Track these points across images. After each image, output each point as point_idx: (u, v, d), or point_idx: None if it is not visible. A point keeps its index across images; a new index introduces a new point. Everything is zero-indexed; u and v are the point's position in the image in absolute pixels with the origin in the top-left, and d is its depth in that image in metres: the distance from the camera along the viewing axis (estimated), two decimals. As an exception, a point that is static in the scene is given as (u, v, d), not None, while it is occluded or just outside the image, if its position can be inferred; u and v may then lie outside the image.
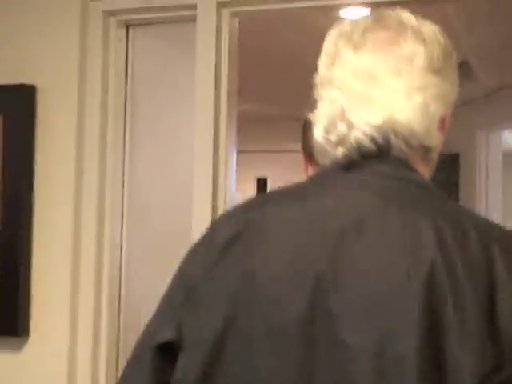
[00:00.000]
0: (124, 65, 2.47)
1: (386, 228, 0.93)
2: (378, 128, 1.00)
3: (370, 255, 0.92)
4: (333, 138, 1.04)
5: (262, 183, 6.88)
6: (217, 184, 2.27)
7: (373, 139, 1.01)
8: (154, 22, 2.47)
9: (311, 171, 1.76)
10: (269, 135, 6.78)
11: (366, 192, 1.00)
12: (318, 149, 1.08)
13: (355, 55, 1.05)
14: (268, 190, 6.69)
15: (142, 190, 2.40)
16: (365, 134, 1.00)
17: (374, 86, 1.02)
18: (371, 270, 0.91)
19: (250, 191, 6.89)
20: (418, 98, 1.01)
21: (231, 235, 1.01)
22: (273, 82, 5.11)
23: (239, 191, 6.84)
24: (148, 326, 1.07)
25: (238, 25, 2.43)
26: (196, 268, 1.04)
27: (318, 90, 1.10)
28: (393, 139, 1.01)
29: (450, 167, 5.63)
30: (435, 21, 1.10)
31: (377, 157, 1.02)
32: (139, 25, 2.49)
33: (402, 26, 1.07)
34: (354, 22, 1.10)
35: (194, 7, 2.31)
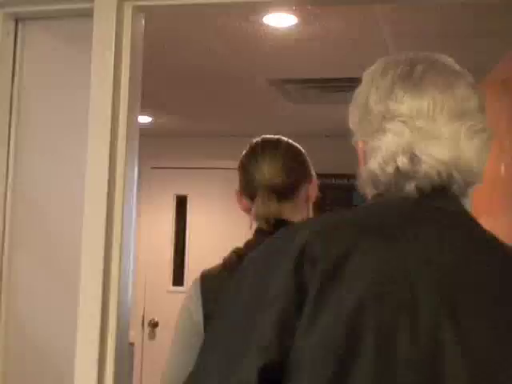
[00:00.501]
0: (11, 61, 2.18)
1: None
2: (445, 164, 1.07)
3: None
4: (390, 169, 1.10)
5: (181, 201, 6.64)
6: (112, 198, 1.94)
7: (439, 174, 1.08)
8: (46, 16, 2.17)
9: (246, 204, 1.90)
10: (189, 151, 6.53)
11: (456, 232, 1.08)
12: (367, 178, 1.15)
13: (416, 94, 1.11)
14: (188, 207, 6.43)
15: (29, 196, 2.09)
16: (432, 167, 1.07)
17: (439, 126, 1.09)
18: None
19: (169, 209, 6.62)
20: (477, 140, 1.09)
21: (334, 258, 0.99)
22: (189, 94, 4.79)
23: (158, 209, 6.63)
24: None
25: (143, 22, 2.12)
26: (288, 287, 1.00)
27: (372, 121, 1.15)
28: (455, 175, 1.08)
29: None
30: None
31: (441, 191, 1.09)
32: (30, 18, 2.20)
33: (452, 71, 1.15)
34: (408, 60, 1.17)
35: (91, -1, 2.01)
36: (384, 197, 1.13)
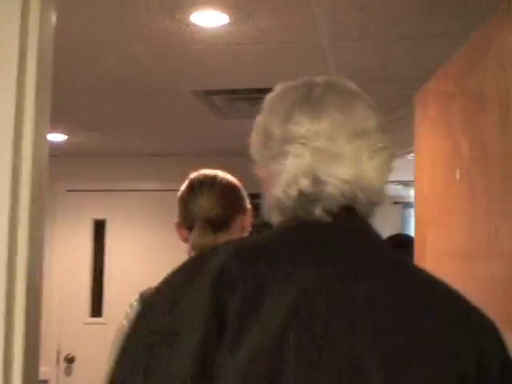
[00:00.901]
0: None
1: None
2: (348, 183, 1.10)
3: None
4: (293, 192, 1.11)
5: (99, 225, 6.31)
6: (15, 229, 1.58)
7: (343, 194, 1.10)
8: None
9: (185, 235, 2.05)
10: (108, 172, 6.21)
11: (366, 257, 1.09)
12: (272, 204, 1.14)
13: (314, 116, 1.12)
14: (107, 232, 6.08)
15: None
16: (336, 187, 1.09)
17: (339, 146, 1.11)
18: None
19: (87, 234, 6.28)
20: (377, 159, 1.12)
21: (252, 283, 1.00)
22: (109, 109, 4.43)
23: (74, 234, 6.26)
24: None
25: (54, 18, 1.77)
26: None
27: (273, 147, 1.16)
28: (359, 194, 1.11)
29: None
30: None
31: (349, 211, 1.11)
32: None
33: (351, 93, 1.17)
34: (306, 84, 1.20)
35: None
36: (294, 222, 1.12)
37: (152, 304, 1.06)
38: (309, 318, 0.98)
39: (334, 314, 0.99)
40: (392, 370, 0.96)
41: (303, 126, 1.13)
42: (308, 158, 1.11)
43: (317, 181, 1.10)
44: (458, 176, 2.11)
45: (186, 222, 2.04)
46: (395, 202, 9.12)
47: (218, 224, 1.99)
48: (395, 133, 4.42)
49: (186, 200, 2.06)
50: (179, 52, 3.20)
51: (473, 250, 1.94)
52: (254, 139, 1.22)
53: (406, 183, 7.98)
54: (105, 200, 6.24)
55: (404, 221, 9.17)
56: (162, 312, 1.02)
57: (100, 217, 6.28)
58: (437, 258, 2.29)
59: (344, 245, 1.09)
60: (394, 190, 8.50)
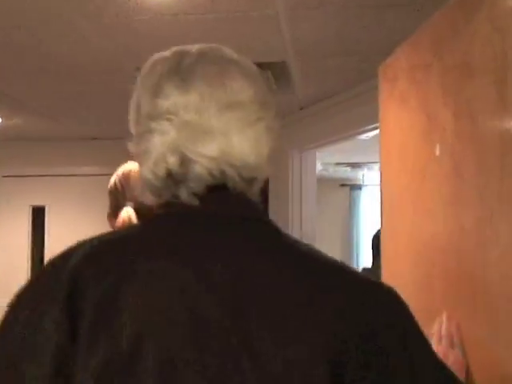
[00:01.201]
0: None
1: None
2: (214, 160, 1.03)
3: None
4: (161, 172, 1.05)
5: (39, 212, 6.07)
6: None
7: (210, 173, 1.04)
8: None
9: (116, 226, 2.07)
10: (47, 157, 5.95)
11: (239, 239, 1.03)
12: (143, 185, 1.09)
13: (183, 89, 1.06)
14: (47, 219, 5.83)
15: None
16: (202, 166, 1.03)
17: (208, 120, 1.04)
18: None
19: (25, 222, 6.04)
20: (251, 132, 1.05)
21: (106, 286, 0.97)
22: (47, 90, 4.15)
23: (12, 222, 5.97)
24: None
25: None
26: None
27: (142, 123, 1.10)
28: (228, 171, 1.04)
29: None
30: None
31: (219, 192, 1.05)
32: None
33: (226, 61, 1.10)
34: (177, 54, 1.12)
35: None
36: (168, 207, 1.08)
37: (8, 316, 1.04)
38: (167, 319, 0.95)
39: (201, 312, 0.96)
40: (261, 356, 0.92)
41: (170, 99, 1.06)
42: (174, 134, 1.05)
43: (184, 159, 1.04)
44: (437, 152, 1.92)
45: (117, 214, 2.10)
46: (342, 185, 9.03)
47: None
48: (351, 110, 4.29)
49: (115, 193, 2.14)
50: (123, 24, 2.94)
51: (459, 237, 1.75)
52: (130, 115, 1.16)
53: (354, 165, 7.89)
54: (43, 186, 5.97)
55: (352, 203, 9.07)
56: (19, 323, 1.01)
57: (39, 203, 6.05)
58: (411, 249, 2.08)
59: (208, 233, 1.03)
60: (341, 172, 8.40)
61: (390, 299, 1.02)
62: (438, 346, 1.54)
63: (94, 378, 0.93)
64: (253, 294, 0.97)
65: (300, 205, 4.90)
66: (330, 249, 5.13)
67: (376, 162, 7.51)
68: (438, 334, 1.59)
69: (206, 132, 1.04)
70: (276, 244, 1.05)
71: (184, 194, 1.05)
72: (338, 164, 7.72)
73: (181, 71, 1.08)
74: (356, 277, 1.04)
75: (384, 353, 0.96)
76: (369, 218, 8.80)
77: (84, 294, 0.97)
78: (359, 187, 9.00)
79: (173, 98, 1.06)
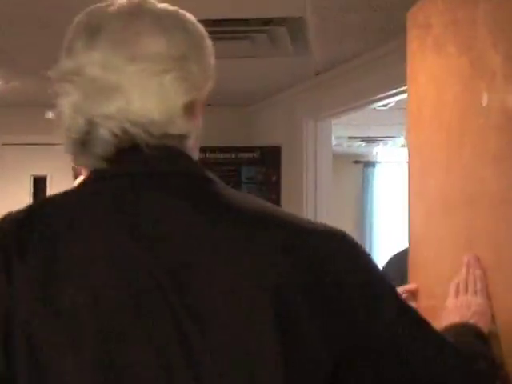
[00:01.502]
0: None
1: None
2: (114, 119, 1.00)
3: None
4: (73, 136, 1.04)
5: (40, 182, 5.92)
6: None
7: (113, 133, 1.01)
8: None
9: None
10: (48, 125, 5.68)
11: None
12: (66, 152, 1.07)
13: (90, 46, 1.03)
14: (49, 190, 5.82)
15: None
16: (104, 127, 1.00)
17: (111, 75, 1.01)
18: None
19: (26, 192, 5.88)
20: (154, 85, 1.01)
21: (42, 251, 0.98)
22: (51, 48, 3.88)
23: (12, 192, 5.78)
24: None
25: None
26: None
27: (53, 86, 1.07)
28: (131, 130, 1.00)
29: (269, 162, 5.07)
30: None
31: (131, 153, 1.02)
32: None
33: (141, 15, 1.06)
34: (91, 10, 1.09)
35: None
36: (91, 173, 1.06)
37: None
38: (105, 285, 0.95)
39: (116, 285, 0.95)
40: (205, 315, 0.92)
41: (75, 58, 1.03)
42: (78, 95, 1.02)
43: (91, 122, 1.02)
44: (484, 101, 1.68)
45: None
46: (356, 161, 8.78)
47: None
48: (372, 75, 4.04)
49: None
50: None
51: (509, 195, 1.53)
52: None
53: (368, 139, 7.65)
54: (45, 155, 5.76)
55: (365, 182, 8.81)
56: None
57: (40, 173, 5.91)
58: (445, 211, 1.86)
59: (132, 194, 1.00)
60: (354, 147, 8.15)
61: (332, 237, 1.01)
62: (462, 296, 1.50)
63: (29, 336, 0.94)
64: (188, 249, 0.96)
65: (314, 178, 4.67)
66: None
67: (392, 137, 7.29)
68: (463, 282, 1.54)
69: (109, 90, 1.01)
70: (206, 196, 1.02)
71: (93, 159, 1.04)
72: (351, 138, 7.47)
73: (90, 28, 1.05)
74: (300, 218, 1.03)
75: (328, 283, 0.96)
76: (383, 197, 8.55)
77: (22, 259, 0.98)
78: (373, 164, 8.75)
79: (78, 57, 1.03)
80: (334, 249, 0.99)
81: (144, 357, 0.91)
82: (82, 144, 1.03)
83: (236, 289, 0.93)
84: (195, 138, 1.08)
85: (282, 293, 0.92)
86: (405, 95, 3.72)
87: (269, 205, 1.04)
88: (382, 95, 3.92)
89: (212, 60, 1.10)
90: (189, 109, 1.04)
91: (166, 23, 1.06)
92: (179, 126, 1.03)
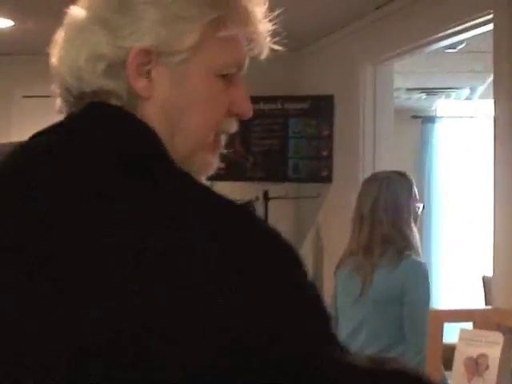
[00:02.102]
0: None
1: None
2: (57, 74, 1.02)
3: None
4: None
5: None
6: None
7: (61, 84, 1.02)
8: None
9: None
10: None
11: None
12: None
13: None
14: None
15: None
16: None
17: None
18: None
19: None
20: (71, 40, 1.01)
21: None
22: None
23: None
24: None
25: None
26: None
27: None
28: (66, 84, 1.01)
29: (321, 114, 4.58)
30: None
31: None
32: None
33: None
34: None
35: None
36: None
37: None
38: None
39: None
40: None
41: None
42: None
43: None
44: None
45: None
46: (414, 116, 8.13)
47: None
48: (442, 4, 3.43)
49: None
50: None
51: None
52: None
53: (429, 91, 7.00)
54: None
55: (424, 139, 8.14)
56: None
57: None
58: None
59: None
60: (413, 100, 7.52)
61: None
62: None
63: None
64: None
65: (373, 133, 4.16)
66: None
67: (456, 88, 6.65)
68: None
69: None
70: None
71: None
72: (410, 90, 6.83)
73: None
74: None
75: None
76: (444, 156, 7.92)
77: None
78: (433, 120, 8.08)
79: None
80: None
81: None
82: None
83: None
84: (163, 105, 1.00)
85: None
86: (481, 29, 3.06)
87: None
88: (453, 29, 3.32)
89: (156, 12, 0.99)
90: (104, 62, 0.99)
91: None
92: (93, 82, 0.99)
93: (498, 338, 1.74)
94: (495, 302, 2.67)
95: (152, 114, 0.98)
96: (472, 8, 3.13)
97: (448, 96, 7.18)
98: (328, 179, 4.39)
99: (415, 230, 2.81)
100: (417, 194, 2.90)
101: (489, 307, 2.49)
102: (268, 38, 1.04)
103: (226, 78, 1.00)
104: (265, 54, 1.05)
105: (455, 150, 7.68)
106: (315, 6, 3.99)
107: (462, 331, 1.87)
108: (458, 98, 7.09)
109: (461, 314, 2.17)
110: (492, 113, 2.79)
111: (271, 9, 1.05)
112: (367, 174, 3.98)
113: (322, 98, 4.54)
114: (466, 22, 3.14)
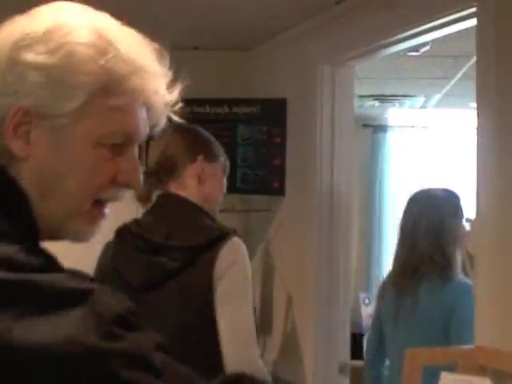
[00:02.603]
0: None
1: None
2: None
3: None
4: None
5: None
6: None
7: None
8: None
9: None
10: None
11: None
12: None
13: None
14: None
15: None
16: None
17: None
18: None
19: None
20: None
21: None
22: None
23: None
24: None
25: None
26: None
27: None
28: None
29: (272, 119, 4.29)
30: None
31: None
32: None
33: None
34: None
35: None
36: None
37: None
38: None
39: None
40: None
41: None
42: None
43: None
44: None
45: None
46: (364, 125, 7.85)
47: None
48: (404, 3, 3.11)
49: None
50: None
51: None
52: None
53: (383, 98, 6.74)
54: None
55: (374, 149, 7.88)
56: None
57: None
58: None
59: None
60: (365, 108, 7.25)
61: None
62: None
63: None
64: None
65: (331, 141, 3.82)
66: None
67: (411, 96, 6.41)
68: None
69: None
70: None
71: None
72: (362, 97, 6.61)
73: None
74: None
75: None
76: (396, 168, 7.68)
77: None
78: (385, 129, 7.83)
79: None
80: None
81: None
82: None
83: None
84: (39, 167, 1.01)
85: None
86: (463, 24, 2.74)
87: None
88: (428, 25, 3.00)
89: (31, 75, 0.99)
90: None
91: None
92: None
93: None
94: (479, 339, 2.36)
95: (27, 175, 0.99)
96: (444, 3, 2.82)
97: (402, 104, 6.96)
98: (280, 191, 4.06)
99: (459, 248, 2.88)
100: (463, 211, 2.95)
101: (471, 346, 2.25)
102: (166, 109, 1.06)
103: (113, 147, 1.00)
104: (161, 125, 1.07)
105: (407, 161, 7.57)
106: (268, 1, 3.64)
107: (445, 375, 1.73)
108: (412, 106, 6.91)
109: (441, 353, 1.97)
110: (474, 121, 2.46)
111: (174, 80, 1.07)
112: (324, 185, 3.71)
113: (274, 101, 4.26)
114: (446, 16, 2.80)
